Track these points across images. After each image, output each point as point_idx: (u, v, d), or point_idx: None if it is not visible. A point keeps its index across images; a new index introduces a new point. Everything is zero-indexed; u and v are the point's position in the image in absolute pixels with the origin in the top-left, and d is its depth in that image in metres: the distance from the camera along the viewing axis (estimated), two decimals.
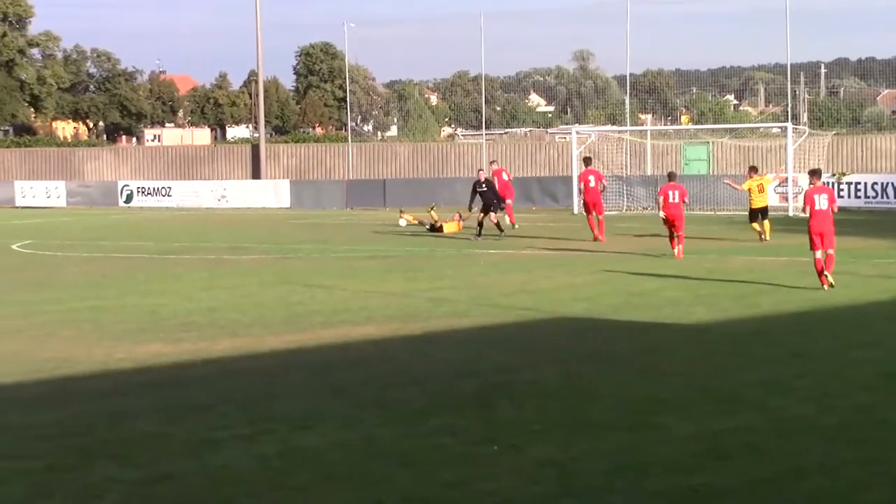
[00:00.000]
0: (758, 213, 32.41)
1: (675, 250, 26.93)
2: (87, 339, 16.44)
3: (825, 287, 20.35)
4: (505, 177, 36.77)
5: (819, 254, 20.55)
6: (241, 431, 10.83)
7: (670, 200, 27.41)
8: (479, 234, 32.94)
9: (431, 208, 38.62)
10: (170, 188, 58.65)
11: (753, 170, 34.33)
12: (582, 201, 34.03)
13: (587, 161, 34.29)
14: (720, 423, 10.84)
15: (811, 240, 20.73)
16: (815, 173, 21.81)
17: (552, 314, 18.24)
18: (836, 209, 20.89)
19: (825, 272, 20.45)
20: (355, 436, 10.63)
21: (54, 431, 10.96)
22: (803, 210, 21.84)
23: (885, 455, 9.73)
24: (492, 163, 38.63)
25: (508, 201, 35.88)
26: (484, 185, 33.56)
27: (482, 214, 33.18)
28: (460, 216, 37.16)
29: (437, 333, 16.58)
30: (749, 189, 32.94)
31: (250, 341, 16.05)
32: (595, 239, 31.76)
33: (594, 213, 32.51)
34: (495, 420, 11.18)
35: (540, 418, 11.19)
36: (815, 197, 20.95)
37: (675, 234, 27.08)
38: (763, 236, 31.94)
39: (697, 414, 11.27)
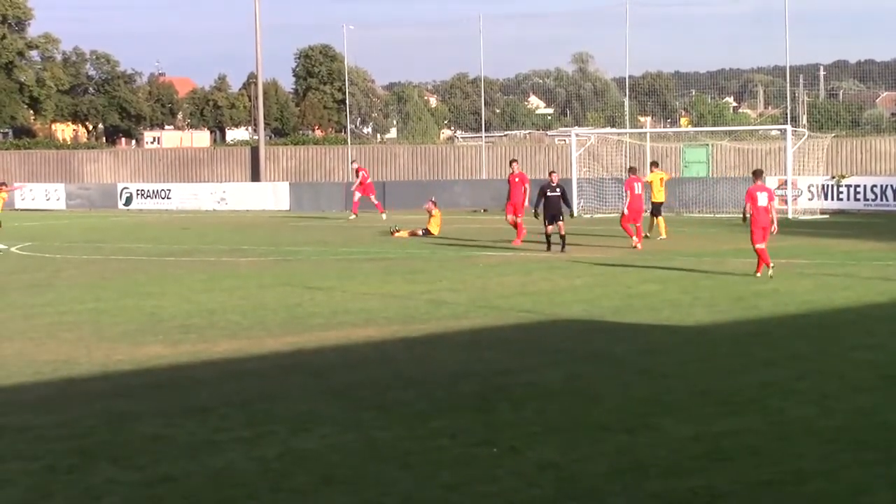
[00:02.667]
0: (654, 209, 34.35)
1: (635, 240, 29.58)
2: (86, 341, 16.44)
3: (758, 274, 22.70)
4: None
5: (764, 245, 22.75)
6: (241, 433, 10.83)
7: (636, 192, 30.28)
8: (549, 247, 29.22)
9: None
10: (169, 190, 58.65)
11: (655, 164, 36.62)
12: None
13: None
14: (720, 426, 10.84)
15: (753, 233, 22.91)
16: (757, 173, 24.06)
17: (551, 316, 18.25)
18: (776, 206, 23.46)
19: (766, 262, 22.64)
20: (355, 438, 10.64)
21: (54, 433, 10.96)
22: (745, 207, 23.51)
23: (885, 457, 9.72)
24: (512, 162, 34.69)
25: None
26: (557, 189, 29.55)
27: (549, 226, 29.31)
28: (430, 212, 36.41)
29: (437, 335, 16.59)
30: (651, 182, 34.61)
31: (250, 343, 16.05)
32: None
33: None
34: (495, 422, 11.18)
35: (539, 420, 11.19)
36: (757, 195, 23.10)
37: (635, 225, 29.04)
38: (663, 234, 33.59)
39: (697, 416, 11.26)
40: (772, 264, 22.61)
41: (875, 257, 26.84)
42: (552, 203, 29.17)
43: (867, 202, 45.13)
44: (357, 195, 46.24)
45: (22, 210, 57.22)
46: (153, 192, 58.82)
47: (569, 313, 18.54)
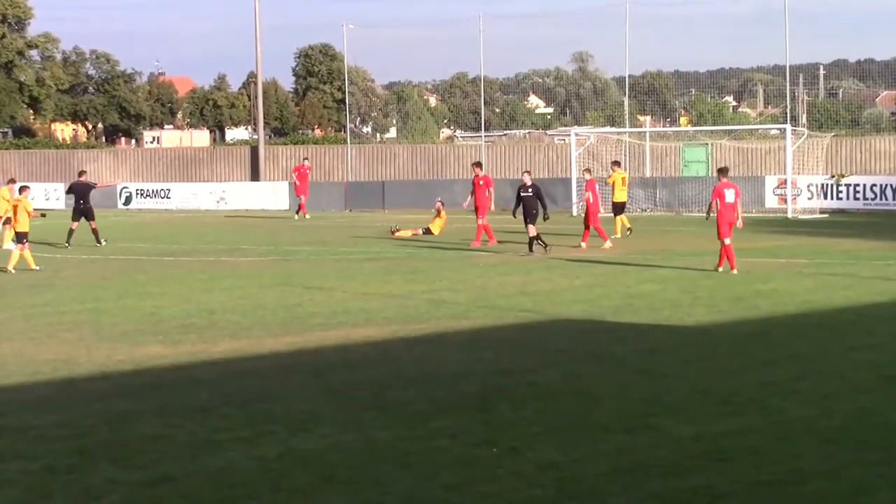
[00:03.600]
0: (616, 208, 34.94)
1: (584, 243, 29.82)
2: (86, 341, 16.44)
3: (720, 269, 23.71)
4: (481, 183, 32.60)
5: (729, 240, 23.66)
6: (241, 433, 10.83)
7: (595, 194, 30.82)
8: (535, 248, 28.74)
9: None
10: (169, 190, 58.62)
11: (616, 164, 36.88)
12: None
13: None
14: (720, 426, 10.84)
15: (720, 229, 23.80)
16: (722, 171, 25.08)
17: (551, 316, 18.25)
18: (741, 204, 24.58)
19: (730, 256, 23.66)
20: (355, 438, 10.63)
21: (54, 433, 10.96)
22: (711, 204, 24.62)
23: (886, 457, 9.72)
24: (475, 165, 34.29)
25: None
26: (530, 190, 29.51)
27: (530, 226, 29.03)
28: (438, 212, 36.74)
29: (437, 335, 16.59)
30: (613, 182, 35.10)
31: (250, 343, 16.05)
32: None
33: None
34: (495, 422, 11.18)
35: (540, 420, 11.19)
36: (725, 192, 24.13)
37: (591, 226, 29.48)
38: (615, 233, 33.82)
39: (697, 416, 11.27)
40: (736, 269, 23.47)
41: (875, 257, 26.84)
42: (526, 204, 29.23)
43: (867, 201, 45.13)
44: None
45: None
46: (153, 191, 58.81)
47: (569, 313, 18.54)
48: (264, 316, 18.67)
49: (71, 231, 33.87)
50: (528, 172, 31.11)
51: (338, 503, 8.84)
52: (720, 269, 23.84)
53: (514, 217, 30.12)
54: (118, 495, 9.05)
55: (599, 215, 31.61)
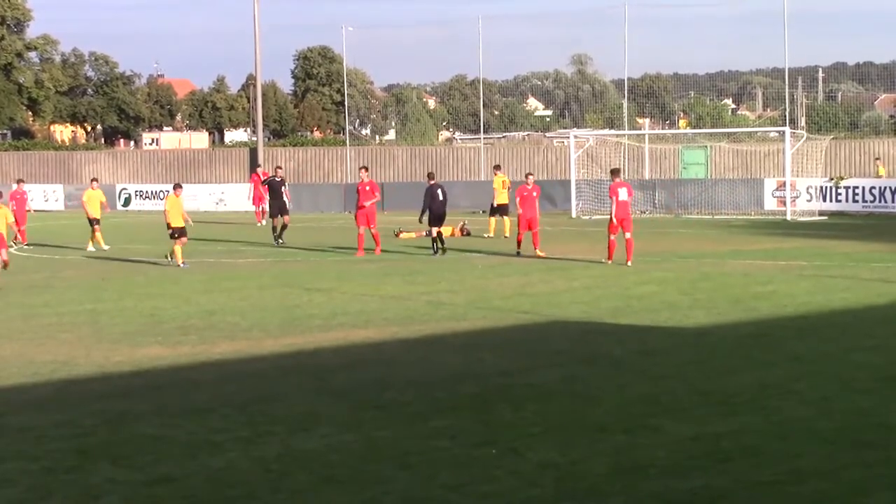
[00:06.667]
0: (498, 210, 36.47)
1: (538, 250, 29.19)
2: (85, 342, 16.45)
3: (609, 261, 26.02)
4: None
5: (614, 237, 26.12)
6: (241, 434, 10.83)
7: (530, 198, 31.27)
8: (437, 251, 29.75)
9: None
10: (168, 192, 58.56)
11: (497, 168, 38.96)
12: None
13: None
14: (719, 426, 10.85)
15: (611, 224, 26.12)
16: (615, 171, 27.52)
17: (550, 317, 18.25)
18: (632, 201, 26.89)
19: (614, 251, 26.08)
20: (354, 438, 10.64)
21: (54, 433, 10.97)
22: (612, 202, 26.32)
23: (885, 458, 9.73)
24: (361, 169, 33.02)
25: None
26: (440, 192, 30.10)
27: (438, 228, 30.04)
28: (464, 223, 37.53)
29: (436, 336, 16.59)
30: (495, 187, 36.93)
31: (249, 344, 16.05)
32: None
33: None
34: (494, 423, 11.18)
35: (539, 421, 11.20)
36: (619, 190, 26.21)
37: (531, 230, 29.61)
38: (490, 233, 35.92)
39: (696, 417, 11.27)
40: (611, 261, 25.96)
41: (874, 259, 26.84)
42: (438, 206, 30.05)
43: (866, 204, 45.14)
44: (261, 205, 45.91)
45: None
46: (152, 193, 58.81)
47: (568, 315, 18.55)
48: (263, 317, 18.67)
49: (276, 227, 34.72)
50: (432, 172, 33.14)
51: (337, 503, 8.84)
52: (610, 261, 26.06)
53: (421, 221, 30.83)
54: (117, 495, 9.05)
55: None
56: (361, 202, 30.69)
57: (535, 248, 29.08)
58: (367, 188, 31.08)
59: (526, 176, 30.68)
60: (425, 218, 30.45)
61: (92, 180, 29.10)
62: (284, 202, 35.73)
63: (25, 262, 29.30)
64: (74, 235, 33.93)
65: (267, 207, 46.65)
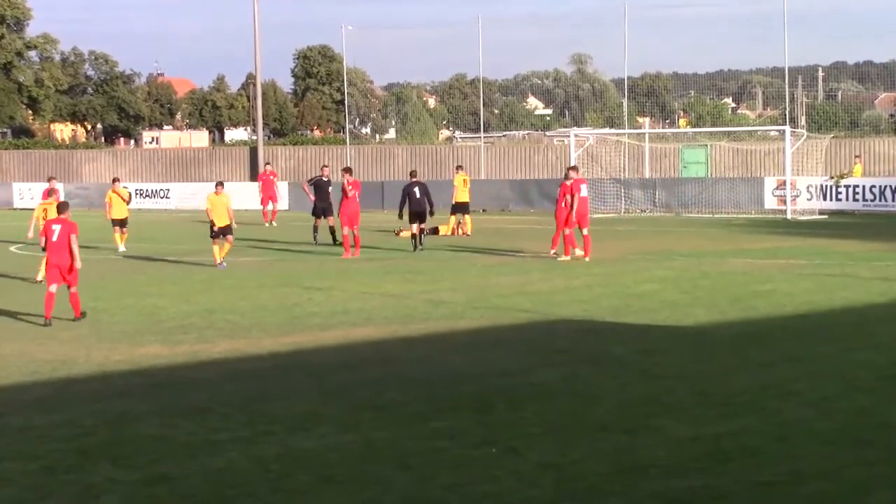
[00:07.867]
0: (460, 208, 37.03)
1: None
2: (85, 341, 16.44)
3: (566, 257, 26.63)
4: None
5: (570, 231, 26.81)
6: (240, 433, 10.82)
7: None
8: (415, 247, 30.40)
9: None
10: (168, 190, 58.63)
11: (459, 167, 39.48)
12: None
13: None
14: (719, 426, 10.83)
15: (568, 218, 26.68)
16: (573, 168, 28.17)
17: (550, 316, 18.24)
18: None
19: (575, 246, 26.94)
20: (354, 438, 10.63)
21: (53, 433, 10.96)
22: (571, 198, 26.86)
23: (885, 457, 9.72)
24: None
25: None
26: (417, 189, 30.49)
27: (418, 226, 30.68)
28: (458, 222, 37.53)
29: (436, 335, 16.58)
30: (455, 185, 37.50)
31: (248, 343, 16.04)
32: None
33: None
34: (494, 422, 11.17)
35: (538, 421, 11.18)
36: (581, 186, 27.15)
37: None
38: (464, 229, 36.61)
39: (696, 417, 11.26)
40: (574, 249, 26.89)
41: (874, 258, 26.82)
42: (416, 202, 30.68)
43: (866, 203, 45.12)
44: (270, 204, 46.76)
45: (21, 209, 57.18)
46: (152, 191, 58.81)
47: (567, 313, 18.53)
48: (263, 316, 18.66)
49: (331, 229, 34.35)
50: (414, 171, 33.26)
51: (337, 503, 8.83)
52: (566, 257, 26.79)
53: (400, 217, 31.63)
54: (117, 494, 9.04)
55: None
56: (348, 204, 29.57)
57: (575, 248, 27.51)
58: (351, 189, 29.86)
59: (572, 170, 27.98)
60: (405, 216, 31.33)
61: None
62: (330, 204, 34.51)
63: (25, 261, 29.28)
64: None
65: (274, 207, 46.80)
